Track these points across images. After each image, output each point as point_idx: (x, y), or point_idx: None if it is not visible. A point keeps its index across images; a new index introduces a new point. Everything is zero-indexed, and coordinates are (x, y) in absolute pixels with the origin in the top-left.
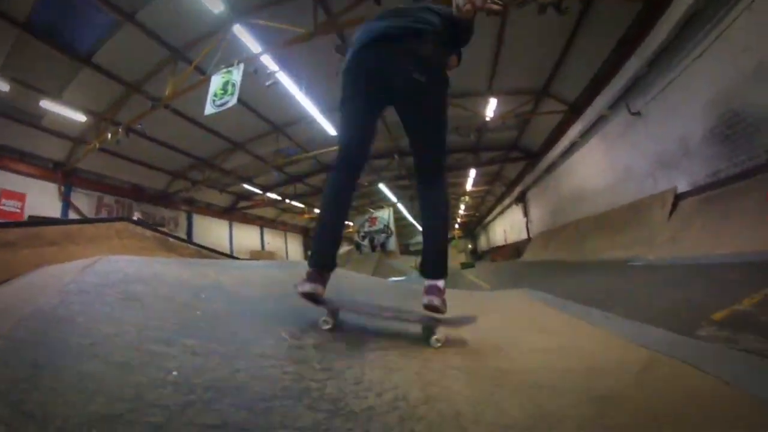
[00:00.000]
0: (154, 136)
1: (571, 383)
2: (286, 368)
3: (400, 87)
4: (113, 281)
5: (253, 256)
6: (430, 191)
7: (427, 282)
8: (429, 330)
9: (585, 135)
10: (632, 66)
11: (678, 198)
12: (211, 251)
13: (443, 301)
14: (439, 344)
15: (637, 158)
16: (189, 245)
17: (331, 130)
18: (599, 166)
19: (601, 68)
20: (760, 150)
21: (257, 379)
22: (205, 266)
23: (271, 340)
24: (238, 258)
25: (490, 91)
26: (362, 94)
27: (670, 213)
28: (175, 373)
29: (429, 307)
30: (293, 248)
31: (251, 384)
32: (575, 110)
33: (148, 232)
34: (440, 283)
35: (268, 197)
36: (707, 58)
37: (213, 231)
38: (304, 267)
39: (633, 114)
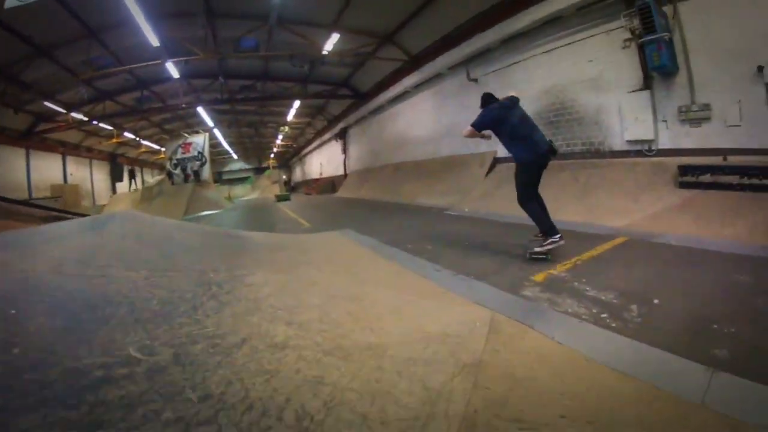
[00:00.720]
0: None
1: (438, 354)
2: (162, 414)
3: (546, 166)
4: None
5: (54, 191)
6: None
7: (558, 235)
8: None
9: (419, 86)
10: (486, 38)
11: (496, 161)
12: (4, 201)
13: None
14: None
15: (465, 118)
16: None
17: (155, 41)
18: (427, 118)
19: (453, 31)
20: (578, 141)
21: None
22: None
23: (124, 367)
24: (40, 206)
25: (335, 26)
26: (537, 170)
27: (487, 173)
28: None
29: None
30: (99, 178)
31: None
32: (415, 62)
33: None
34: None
35: (73, 117)
36: (555, 55)
37: (7, 162)
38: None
39: (471, 80)
